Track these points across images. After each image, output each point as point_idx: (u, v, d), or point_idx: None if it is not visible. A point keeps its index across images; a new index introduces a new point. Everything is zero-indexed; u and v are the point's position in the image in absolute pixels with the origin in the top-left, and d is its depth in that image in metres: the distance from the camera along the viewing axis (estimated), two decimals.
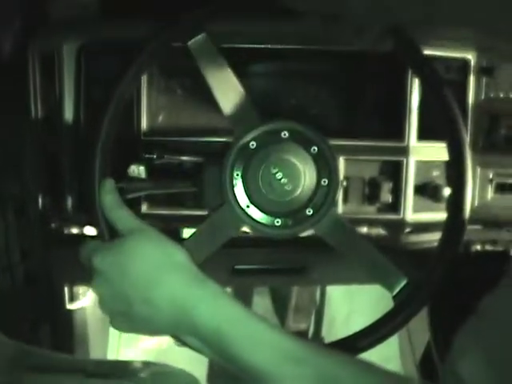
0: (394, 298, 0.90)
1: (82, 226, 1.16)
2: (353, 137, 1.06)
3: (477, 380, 0.62)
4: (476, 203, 1.09)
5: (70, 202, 1.07)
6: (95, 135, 0.82)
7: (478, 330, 0.67)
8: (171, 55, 0.89)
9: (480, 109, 1.09)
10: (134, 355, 2.03)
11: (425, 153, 1.06)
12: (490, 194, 1.11)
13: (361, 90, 1.12)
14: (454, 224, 0.90)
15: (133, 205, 1.01)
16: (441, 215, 1.01)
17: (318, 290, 2.01)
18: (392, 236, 1.17)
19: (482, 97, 1.09)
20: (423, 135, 1.06)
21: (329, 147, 0.89)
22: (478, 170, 1.10)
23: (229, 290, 1.93)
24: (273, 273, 1.26)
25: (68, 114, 1.04)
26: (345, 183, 1.05)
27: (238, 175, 0.88)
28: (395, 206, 1.07)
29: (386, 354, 1.92)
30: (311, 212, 0.89)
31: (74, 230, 1.17)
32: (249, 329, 0.72)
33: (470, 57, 1.08)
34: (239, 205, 0.88)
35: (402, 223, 1.08)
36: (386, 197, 1.06)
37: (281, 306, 2.00)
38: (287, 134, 0.88)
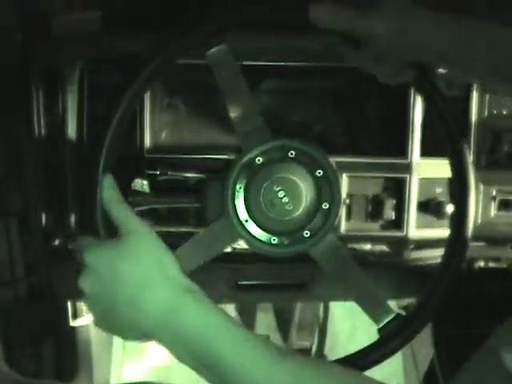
0: (379, 330, 0.88)
1: None
2: (356, 154, 1.06)
3: None
4: (479, 220, 1.09)
5: (73, 218, 1.07)
6: (98, 151, 0.82)
7: None
8: (174, 71, 0.89)
9: (483, 126, 1.09)
10: (137, 372, 2.03)
11: (428, 170, 1.06)
12: (493, 211, 1.11)
13: (364, 107, 1.12)
14: (457, 241, 0.89)
15: None
16: (444, 232, 1.01)
17: (321, 306, 2.00)
18: (395, 253, 1.17)
19: (485, 114, 1.09)
20: (426, 152, 1.06)
21: (334, 172, 0.88)
22: (481, 186, 1.09)
23: (232, 306, 1.93)
24: (276, 288, 1.25)
25: (71, 130, 1.04)
26: (348, 201, 1.05)
27: (240, 188, 0.88)
28: (398, 222, 1.07)
29: (390, 370, 1.92)
30: (308, 234, 0.88)
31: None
32: (232, 336, 0.71)
33: None
34: (238, 218, 0.87)
35: (405, 240, 1.08)
36: (389, 214, 1.06)
37: (284, 323, 1.99)
38: (294, 154, 0.88)
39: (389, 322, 0.87)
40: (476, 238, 0.94)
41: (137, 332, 0.74)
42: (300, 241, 0.88)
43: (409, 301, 1.62)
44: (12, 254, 1.16)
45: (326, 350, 2.00)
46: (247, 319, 1.97)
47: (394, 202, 1.06)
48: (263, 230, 0.88)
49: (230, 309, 1.95)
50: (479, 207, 1.09)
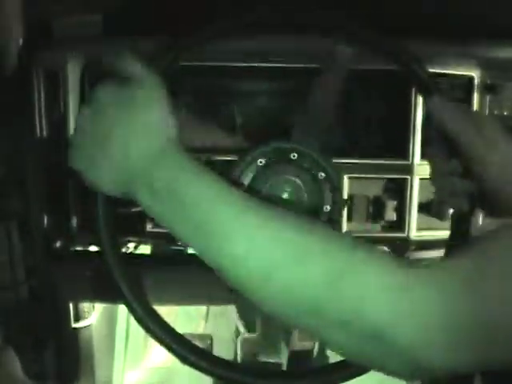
0: None
1: (86, 244, 1.16)
2: (357, 155, 1.06)
3: None
4: (480, 221, 1.09)
5: (74, 220, 1.07)
6: None
7: None
8: (176, 74, 0.89)
9: None
10: (139, 373, 2.03)
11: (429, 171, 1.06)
12: None
13: (365, 108, 1.12)
14: (458, 242, 0.89)
15: (137, 223, 1.01)
16: (445, 233, 1.00)
17: None
18: (396, 254, 1.17)
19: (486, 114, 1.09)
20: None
21: (336, 175, 0.88)
22: None
23: (232, 308, 1.93)
24: None
25: (72, 130, 1.04)
26: (349, 202, 1.05)
27: (243, 186, 0.88)
28: (399, 224, 1.07)
29: None
30: None
31: (79, 249, 1.17)
32: (206, 186, 0.68)
33: (474, 74, 1.08)
34: None
35: (406, 241, 1.08)
36: (391, 215, 1.06)
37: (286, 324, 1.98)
38: (296, 156, 0.88)
39: None
40: None
41: (116, 184, 0.72)
42: None
43: None
44: (13, 256, 1.16)
45: (328, 351, 2.00)
46: (248, 320, 1.96)
47: (395, 203, 1.06)
48: None
49: (231, 309, 1.95)
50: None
